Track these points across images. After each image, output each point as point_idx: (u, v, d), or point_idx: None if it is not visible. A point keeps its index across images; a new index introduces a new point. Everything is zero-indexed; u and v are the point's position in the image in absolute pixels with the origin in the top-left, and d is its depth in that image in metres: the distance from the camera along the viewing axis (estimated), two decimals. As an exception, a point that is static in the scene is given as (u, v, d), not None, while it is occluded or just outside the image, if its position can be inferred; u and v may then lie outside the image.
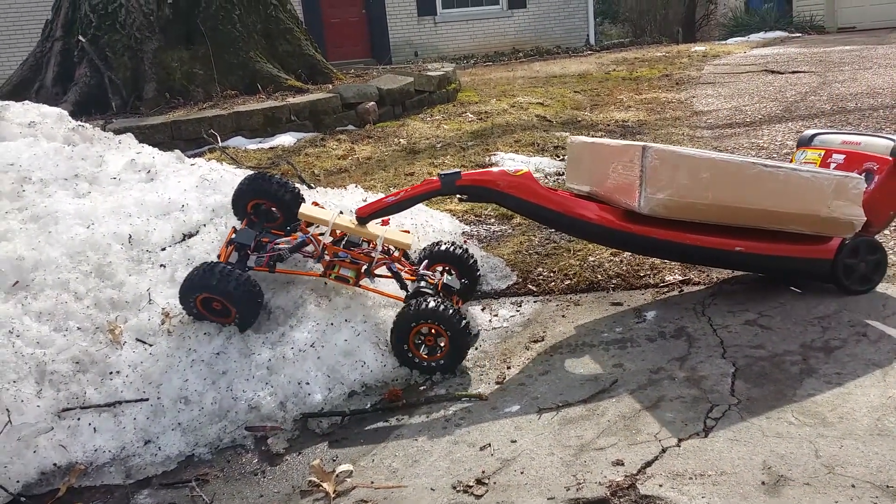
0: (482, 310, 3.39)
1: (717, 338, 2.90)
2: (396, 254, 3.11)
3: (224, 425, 2.55)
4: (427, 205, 4.49)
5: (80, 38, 8.43)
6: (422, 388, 2.77)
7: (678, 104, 8.50)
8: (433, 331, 2.75)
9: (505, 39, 18.46)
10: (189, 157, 4.26)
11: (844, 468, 2.05)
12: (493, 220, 4.59)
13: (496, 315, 3.33)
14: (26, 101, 4.27)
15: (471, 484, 2.15)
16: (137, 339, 2.80)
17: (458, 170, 3.02)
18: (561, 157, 6.02)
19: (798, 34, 16.79)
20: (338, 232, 3.06)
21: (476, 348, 3.02)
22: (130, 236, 3.20)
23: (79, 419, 2.50)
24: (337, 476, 2.25)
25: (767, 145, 6.06)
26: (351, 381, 2.76)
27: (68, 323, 2.75)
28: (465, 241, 3.81)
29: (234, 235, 3.06)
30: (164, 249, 3.23)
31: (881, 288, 3.19)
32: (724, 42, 16.63)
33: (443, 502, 2.10)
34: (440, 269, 3.22)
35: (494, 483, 2.15)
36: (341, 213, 3.14)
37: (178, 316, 2.89)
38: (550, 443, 2.32)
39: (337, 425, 2.57)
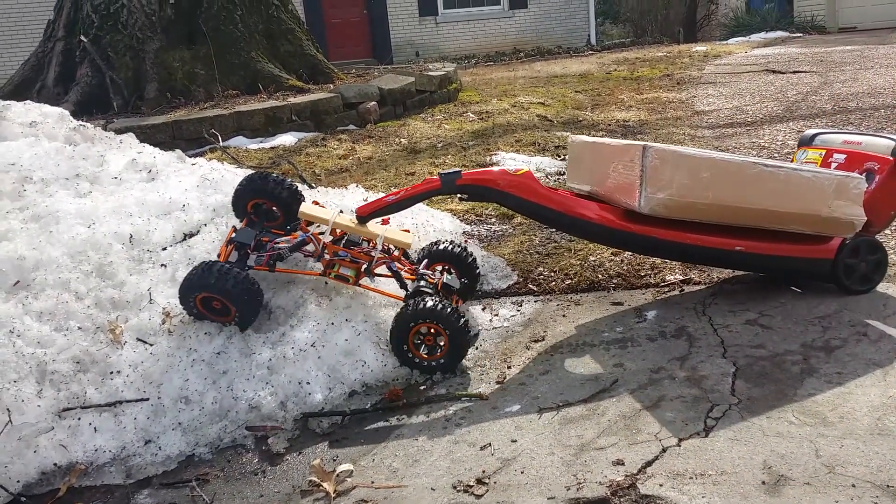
0: (483, 309, 3.39)
1: (718, 337, 2.90)
2: (396, 253, 3.11)
3: (224, 425, 2.55)
4: (428, 204, 4.49)
5: (82, 38, 8.45)
6: (422, 387, 2.77)
7: (679, 104, 8.50)
8: (432, 330, 2.75)
9: (506, 39, 18.46)
10: (190, 157, 4.26)
11: (845, 468, 2.05)
12: (493, 220, 4.59)
13: (497, 315, 3.33)
14: (28, 101, 4.27)
15: (471, 483, 2.15)
16: (138, 339, 2.80)
17: (458, 169, 3.02)
18: (562, 157, 6.02)
19: (799, 34, 16.78)
20: (338, 231, 3.06)
21: (476, 348, 3.02)
22: (131, 236, 3.20)
23: (79, 419, 2.50)
24: (337, 476, 2.25)
25: (768, 145, 6.06)
26: (351, 380, 2.76)
27: (69, 322, 2.75)
28: (465, 241, 3.81)
29: (233, 235, 3.06)
30: (164, 249, 3.23)
31: (882, 288, 3.19)
32: (725, 42, 16.62)
33: (443, 502, 2.10)
34: (440, 268, 3.21)
35: (495, 483, 2.15)
36: (341, 212, 3.14)
37: (179, 315, 2.89)
38: (551, 442, 2.32)
39: (337, 425, 2.57)
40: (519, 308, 3.39)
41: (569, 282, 3.61)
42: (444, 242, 3.30)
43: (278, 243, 3.03)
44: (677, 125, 7.23)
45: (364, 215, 3.03)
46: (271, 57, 9.00)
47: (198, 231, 3.38)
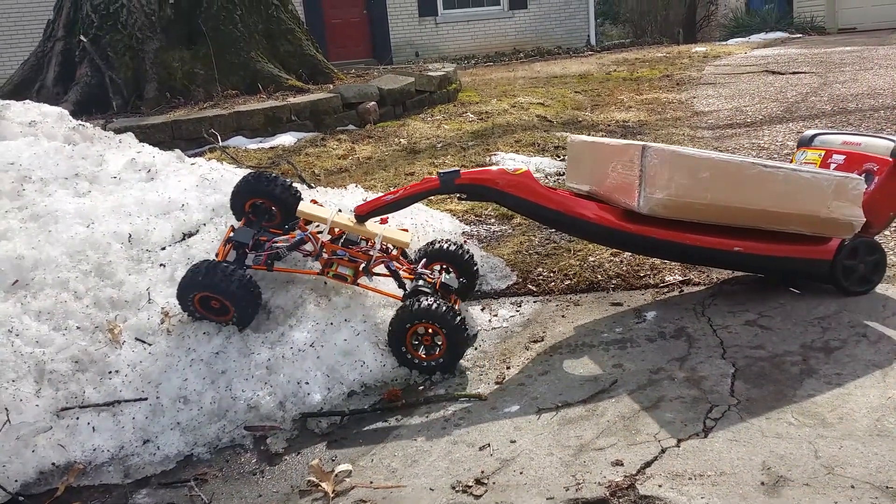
0: (482, 310, 3.38)
1: (717, 338, 2.90)
2: (395, 252, 3.10)
3: (223, 425, 2.55)
4: (427, 204, 4.49)
5: (82, 37, 8.44)
6: (421, 388, 2.76)
7: (679, 105, 8.50)
8: (430, 330, 2.75)
9: (506, 40, 18.46)
10: (189, 157, 4.26)
11: (844, 469, 2.05)
12: (493, 220, 4.59)
13: (496, 315, 3.33)
14: (27, 101, 4.27)
15: (470, 484, 2.15)
16: (137, 339, 2.80)
17: (457, 168, 3.01)
18: (561, 158, 6.01)
19: (799, 35, 16.79)
20: (336, 230, 3.06)
21: (475, 348, 3.02)
22: (130, 235, 3.20)
23: (77, 418, 2.50)
24: (336, 476, 2.25)
25: (768, 146, 6.06)
26: (350, 380, 2.76)
27: (68, 322, 2.75)
28: (464, 241, 3.81)
29: (231, 234, 3.05)
30: (164, 249, 3.23)
31: (880, 289, 3.19)
32: (724, 43, 16.63)
33: (442, 502, 2.09)
34: (438, 267, 3.21)
35: (493, 483, 2.15)
36: (340, 211, 3.14)
37: (178, 315, 2.89)
38: (550, 443, 2.32)
39: (336, 425, 2.57)
40: (518, 308, 3.39)
41: (568, 282, 3.61)
42: (442, 242, 3.30)
43: (276, 242, 3.03)
44: (677, 126, 7.23)
45: (362, 214, 3.02)
46: (271, 57, 9.00)
47: (197, 231, 3.38)
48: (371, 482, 2.22)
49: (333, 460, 2.36)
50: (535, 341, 3.04)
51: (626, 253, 3.77)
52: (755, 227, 3.00)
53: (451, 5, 18.15)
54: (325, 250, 2.99)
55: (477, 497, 2.09)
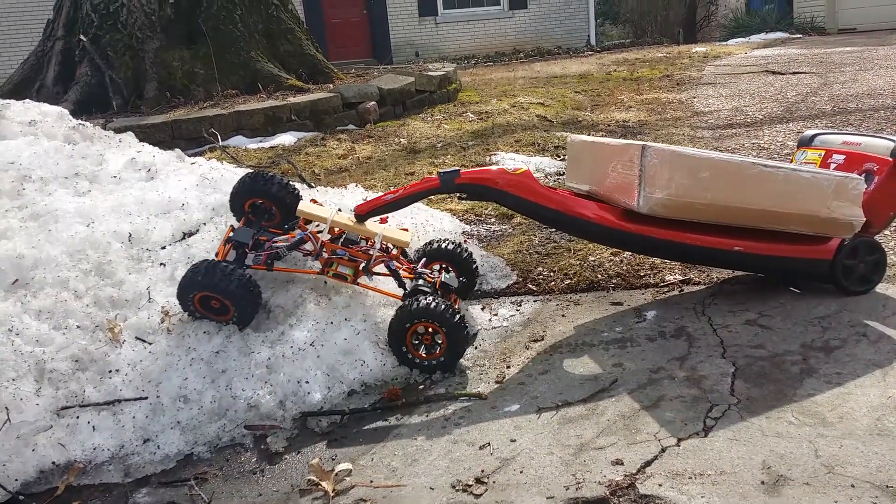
0: (482, 309, 3.38)
1: (717, 337, 2.90)
2: (395, 252, 3.10)
3: (223, 424, 2.55)
4: (427, 204, 4.49)
5: (82, 37, 8.44)
6: (421, 387, 2.76)
7: (679, 105, 8.50)
8: (430, 329, 2.75)
9: (506, 40, 18.46)
10: (189, 156, 4.26)
11: (844, 468, 2.05)
12: (493, 220, 4.59)
13: (496, 314, 3.33)
14: (27, 100, 4.27)
15: (470, 483, 2.15)
16: (137, 338, 2.80)
17: (457, 168, 3.01)
18: (561, 157, 6.02)
19: (799, 35, 16.79)
20: (336, 229, 3.06)
21: (475, 347, 3.02)
22: (130, 235, 3.20)
23: (78, 417, 2.50)
24: (336, 475, 2.25)
25: (768, 146, 6.06)
26: (350, 379, 2.76)
27: (68, 321, 2.75)
28: (464, 240, 3.81)
29: (231, 234, 3.05)
30: (164, 248, 3.23)
31: (881, 288, 3.19)
32: (724, 43, 16.63)
33: (442, 501, 2.09)
34: (438, 266, 3.21)
35: (494, 482, 2.15)
36: (339, 210, 3.14)
37: (178, 314, 2.89)
38: (550, 442, 2.32)
39: (336, 424, 2.57)
40: (518, 308, 3.39)
41: (568, 282, 3.61)
42: (442, 241, 3.30)
43: (276, 242, 3.03)
44: (677, 126, 7.24)
45: (362, 214, 3.02)
46: (271, 57, 9.00)
47: (197, 230, 3.38)
48: (371, 481, 2.22)
49: (333, 459, 2.36)
50: (536, 340, 3.04)
51: (626, 252, 3.77)
52: (755, 227, 3.00)
53: (451, 5, 18.15)
54: (325, 250, 2.99)
55: (477, 496, 2.09)
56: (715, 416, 2.36)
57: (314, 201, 3.23)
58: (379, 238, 3.00)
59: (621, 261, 3.76)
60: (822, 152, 3.41)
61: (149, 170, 3.72)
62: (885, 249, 3.25)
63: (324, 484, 2.20)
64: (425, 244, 3.31)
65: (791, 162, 3.56)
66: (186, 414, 2.57)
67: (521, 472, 2.18)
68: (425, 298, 2.76)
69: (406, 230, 3.25)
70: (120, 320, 2.84)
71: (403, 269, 3.07)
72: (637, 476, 2.10)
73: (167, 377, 2.65)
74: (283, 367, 2.71)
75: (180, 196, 3.49)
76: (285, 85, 8.57)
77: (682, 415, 2.38)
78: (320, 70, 9.35)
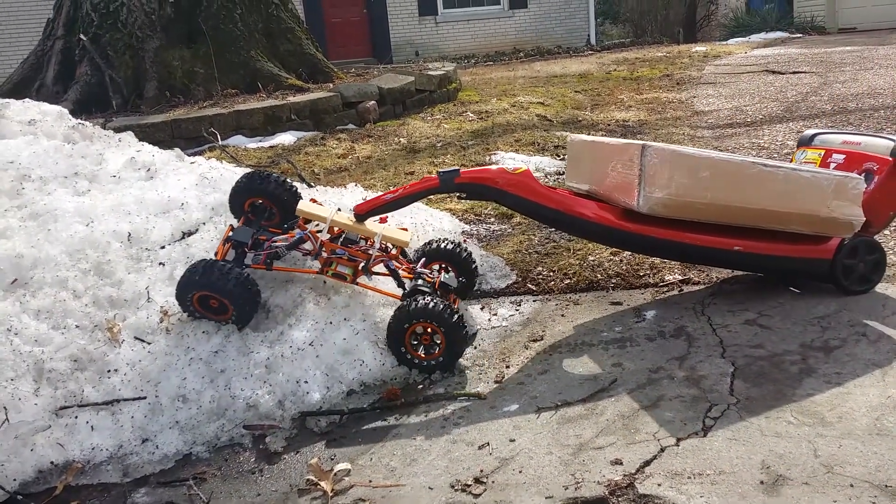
0: (481, 309, 3.38)
1: (717, 337, 2.89)
2: (394, 251, 3.10)
3: (222, 424, 2.55)
4: (427, 204, 4.49)
5: (82, 36, 8.44)
6: (420, 387, 2.76)
7: (679, 104, 8.50)
8: (429, 330, 2.75)
9: (506, 39, 18.46)
10: (189, 156, 4.25)
11: (843, 468, 2.04)
12: (492, 220, 4.59)
13: (495, 314, 3.33)
14: (27, 99, 4.27)
15: (469, 483, 2.15)
16: (136, 338, 2.79)
17: (456, 167, 3.01)
18: (561, 157, 6.01)
19: (799, 35, 16.78)
20: (335, 229, 3.06)
21: (475, 347, 3.02)
22: (130, 234, 3.20)
23: (76, 417, 2.50)
24: (335, 475, 2.24)
25: (768, 145, 6.05)
26: (349, 379, 2.76)
27: (67, 321, 2.75)
28: (464, 240, 3.81)
29: (231, 233, 3.05)
30: (163, 248, 3.23)
31: (880, 288, 3.19)
32: (724, 42, 16.62)
33: (441, 501, 2.09)
34: (437, 266, 3.21)
35: (493, 482, 2.15)
36: (339, 209, 3.14)
37: (177, 314, 2.88)
38: (549, 442, 2.31)
39: (335, 424, 2.56)
40: (518, 307, 3.39)
41: (568, 281, 3.61)
42: (441, 241, 3.29)
43: (275, 242, 3.02)
44: (677, 125, 7.23)
45: (362, 213, 3.02)
46: (271, 56, 8.99)
47: (196, 230, 3.37)
48: (370, 481, 2.22)
49: (332, 459, 2.36)
50: (535, 340, 3.04)
51: (626, 252, 3.77)
52: (755, 227, 3.00)
53: (451, 4, 18.15)
54: (324, 249, 2.99)
55: (476, 496, 2.09)
56: (714, 415, 2.36)
57: (314, 201, 3.22)
58: (378, 238, 3.00)
59: (621, 260, 3.75)
60: (822, 152, 3.41)
61: (148, 169, 3.71)
62: (885, 249, 3.25)
63: (323, 484, 2.20)
64: (425, 244, 3.30)
65: (791, 161, 3.56)
66: (185, 414, 2.56)
67: (520, 472, 2.18)
68: (424, 298, 2.75)
69: (405, 230, 3.25)
70: (119, 320, 2.84)
71: (403, 269, 3.07)
72: (636, 476, 2.10)
73: (166, 377, 2.65)
74: (282, 366, 2.71)
75: (180, 195, 3.49)
76: (285, 84, 8.56)
77: (682, 414, 2.38)
78: (320, 69, 9.35)
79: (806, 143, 3.53)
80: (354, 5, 17.25)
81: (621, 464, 2.16)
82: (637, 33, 21.18)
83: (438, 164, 6.00)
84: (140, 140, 4.29)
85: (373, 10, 17.27)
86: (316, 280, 3.07)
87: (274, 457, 2.41)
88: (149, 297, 2.95)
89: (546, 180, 5.27)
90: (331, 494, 2.17)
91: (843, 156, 3.31)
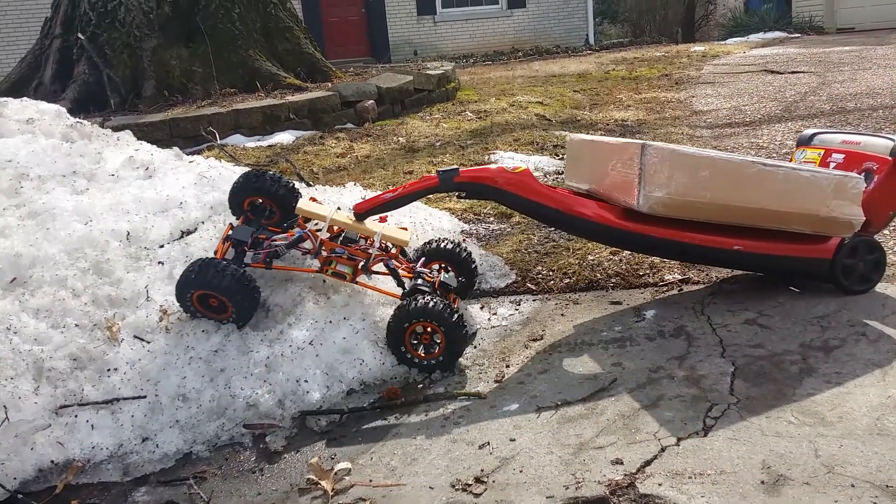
0: (481, 308, 3.38)
1: (717, 337, 2.89)
2: (394, 251, 3.10)
3: (222, 423, 2.54)
4: (426, 203, 4.48)
5: (80, 35, 8.42)
6: (420, 386, 2.76)
7: (678, 104, 8.50)
8: (428, 329, 2.75)
9: (504, 39, 18.46)
10: (187, 155, 4.24)
11: (844, 468, 2.05)
12: (492, 219, 4.59)
13: (495, 314, 3.33)
14: (24, 98, 4.26)
15: (469, 482, 2.15)
16: (135, 337, 2.79)
17: (456, 167, 3.01)
18: (560, 156, 6.01)
19: (797, 35, 16.80)
20: (335, 228, 3.05)
21: (475, 347, 3.02)
22: (128, 233, 3.19)
23: (76, 416, 2.50)
24: (335, 474, 2.24)
25: (767, 145, 6.06)
26: (349, 379, 2.76)
27: (66, 320, 2.74)
28: (463, 240, 3.80)
29: (230, 232, 3.04)
30: (162, 247, 3.22)
31: (880, 287, 3.19)
32: (723, 42, 16.64)
33: (441, 501, 2.09)
34: (437, 266, 3.20)
35: (493, 482, 2.14)
36: (339, 208, 3.13)
37: (176, 313, 2.88)
38: (549, 441, 2.31)
39: (335, 423, 2.56)
40: (517, 307, 3.39)
41: (567, 281, 3.61)
42: (441, 240, 3.29)
43: (275, 240, 3.02)
44: (676, 125, 7.24)
45: (361, 212, 3.02)
46: (269, 55, 8.98)
47: (195, 229, 3.37)
48: (370, 480, 2.21)
49: (333, 458, 2.35)
50: (535, 340, 3.04)
51: (626, 251, 3.77)
52: (755, 226, 3.00)
53: (449, 4, 18.15)
54: (323, 248, 2.99)
55: (476, 495, 2.09)
56: (714, 415, 2.36)
57: (313, 199, 3.22)
58: (378, 237, 2.99)
59: (620, 260, 3.75)
60: (822, 151, 3.41)
61: (147, 168, 3.71)
62: (885, 249, 3.25)
63: (323, 483, 2.19)
64: (424, 243, 3.30)
65: (790, 161, 3.56)
66: (185, 413, 2.56)
67: (520, 472, 2.17)
68: (424, 298, 2.75)
69: (405, 229, 3.25)
70: (118, 319, 2.84)
71: (402, 268, 3.07)
72: (637, 475, 2.10)
73: (166, 376, 2.65)
74: (281, 365, 2.70)
75: (178, 194, 3.49)
76: (283, 83, 8.55)
77: (682, 414, 2.38)
78: (319, 69, 9.34)
79: (805, 142, 3.53)
80: (353, 5, 17.25)
81: (622, 463, 2.16)
82: (635, 33, 21.19)
83: (437, 163, 5.99)
84: (138, 139, 4.28)
85: (371, 9, 17.27)
86: (315, 279, 3.06)
87: (274, 456, 2.41)
88: (148, 296, 2.95)
89: (545, 179, 5.26)
90: (331, 494, 2.16)
91: (843, 155, 3.32)
